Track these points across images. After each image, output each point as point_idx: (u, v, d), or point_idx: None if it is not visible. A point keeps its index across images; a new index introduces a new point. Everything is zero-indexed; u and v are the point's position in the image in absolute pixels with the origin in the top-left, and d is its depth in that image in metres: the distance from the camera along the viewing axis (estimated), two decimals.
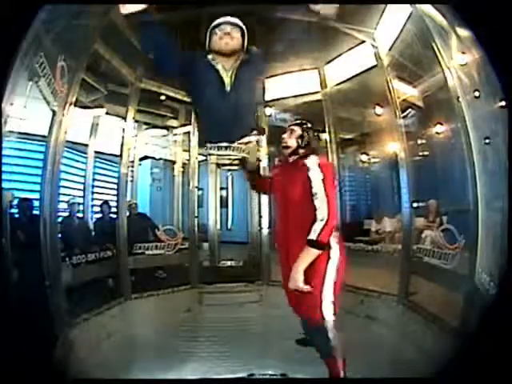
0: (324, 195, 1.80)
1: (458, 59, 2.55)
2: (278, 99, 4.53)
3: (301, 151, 1.97)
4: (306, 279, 1.84)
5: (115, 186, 3.86)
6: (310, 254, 1.81)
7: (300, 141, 1.99)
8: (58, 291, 2.64)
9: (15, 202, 3.13)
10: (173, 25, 3.63)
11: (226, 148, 4.62)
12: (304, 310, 1.98)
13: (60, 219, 3.46)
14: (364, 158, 5.69)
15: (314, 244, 1.80)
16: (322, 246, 1.82)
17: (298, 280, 1.79)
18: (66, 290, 2.74)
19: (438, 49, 2.75)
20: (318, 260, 1.88)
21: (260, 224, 4.37)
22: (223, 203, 4.85)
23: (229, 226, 4.86)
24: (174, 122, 5.24)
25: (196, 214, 4.32)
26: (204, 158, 4.64)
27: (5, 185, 2.06)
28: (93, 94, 4.07)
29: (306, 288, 1.81)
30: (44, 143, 2.75)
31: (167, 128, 5.37)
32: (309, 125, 2.06)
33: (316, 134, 2.09)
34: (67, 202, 3.88)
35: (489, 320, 1.63)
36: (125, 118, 3.83)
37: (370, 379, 2.15)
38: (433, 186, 3.95)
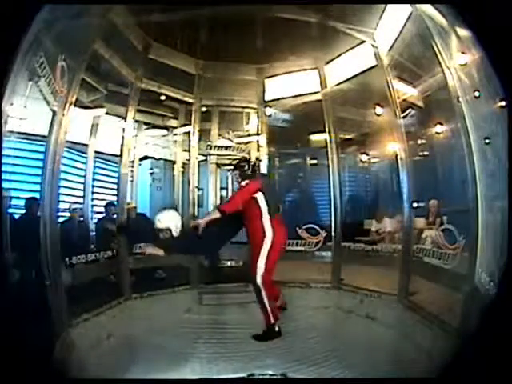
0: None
1: (458, 59, 2.55)
2: (278, 99, 4.53)
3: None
4: (253, 251, 2.96)
5: (115, 186, 3.85)
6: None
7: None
8: (58, 291, 2.64)
9: (17, 201, 3.13)
10: (173, 25, 3.65)
11: (226, 148, 4.63)
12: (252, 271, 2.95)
13: (61, 220, 3.46)
14: (364, 157, 5.69)
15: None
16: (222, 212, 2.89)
17: None
18: (66, 289, 2.74)
19: (437, 49, 2.75)
20: (259, 238, 2.92)
21: None
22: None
23: None
24: (173, 122, 5.23)
25: (196, 214, 4.32)
26: (204, 157, 4.65)
27: (5, 185, 2.06)
28: (93, 93, 4.07)
29: None
30: (44, 143, 2.75)
31: (167, 128, 5.37)
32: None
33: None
34: (69, 207, 3.88)
35: (489, 320, 1.64)
36: (125, 118, 3.82)
37: (370, 379, 2.15)
38: (433, 186, 3.95)
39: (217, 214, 2.88)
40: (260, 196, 2.98)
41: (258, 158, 4.25)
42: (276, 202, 3.11)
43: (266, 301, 2.87)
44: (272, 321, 2.88)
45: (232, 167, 3.35)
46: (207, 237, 2.90)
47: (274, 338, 2.85)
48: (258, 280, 2.87)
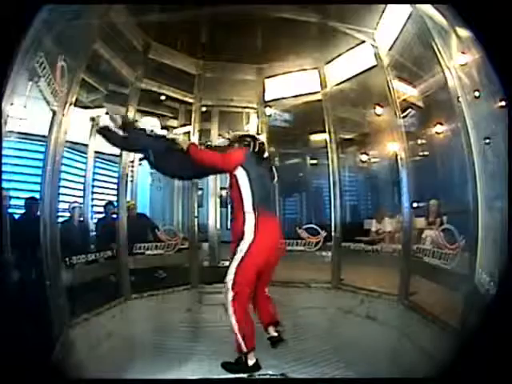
0: None
1: (458, 59, 2.55)
2: (278, 99, 4.53)
3: None
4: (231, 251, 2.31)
5: (115, 186, 3.86)
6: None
7: None
8: (58, 291, 2.64)
9: (17, 201, 3.14)
10: (173, 25, 3.65)
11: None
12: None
13: (61, 220, 3.46)
14: (364, 157, 5.69)
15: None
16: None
17: None
18: (66, 289, 2.74)
19: (437, 49, 2.75)
20: (237, 237, 2.27)
21: None
22: (223, 203, 4.85)
23: (229, 226, 4.86)
24: (173, 122, 5.23)
25: (196, 214, 4.32)
26: None
27: (5, 185, 2.06)
28: (93, 93, 4.07)
29: None
30: (44, 143, 2.75)
31: (167, 128, 5.36)
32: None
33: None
34: (69, 207, 3.89)
35: (489, 320, 1.64)
36: None
37: (370, 379, 2.15)
38: (433, 186, 3.95)
39: (184, 146, 2.50)
40: (241, 174, 2.28)
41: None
42: (270, 195, 2.43)
43: (233, 321, 2.19)
44: (243, 349, 2.20)
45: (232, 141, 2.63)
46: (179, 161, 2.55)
47: (242, 373, 2.22)
48: (228, 292, 2.22)
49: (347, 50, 3.99)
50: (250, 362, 2.22)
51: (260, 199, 2.28)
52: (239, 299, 2.21)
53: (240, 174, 2.27)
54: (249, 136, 2.54)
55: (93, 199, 4.44)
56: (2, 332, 1.49)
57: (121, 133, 2.66)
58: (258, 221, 2.24)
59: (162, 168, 2.85)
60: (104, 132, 2.68)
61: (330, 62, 4.23)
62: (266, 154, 2.49)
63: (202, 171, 2.70)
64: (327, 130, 4.21)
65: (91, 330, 2.83)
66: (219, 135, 4.73)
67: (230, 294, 2.21)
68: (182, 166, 2.60)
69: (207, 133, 4.69)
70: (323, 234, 4.03)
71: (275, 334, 2.36)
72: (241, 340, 2.18)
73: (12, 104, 2.05)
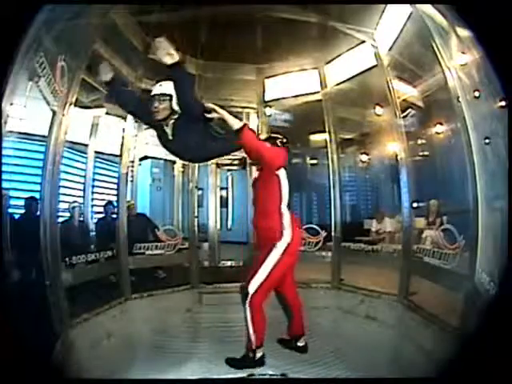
0: None
1: (458, 59, 2.55)
2: (278, 99, 4.53)
3: None
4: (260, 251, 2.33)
5: (115, 186, 3.86)
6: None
7: None
8: (58, 291, 2.64)
9: (17, 201, 3.14)
10: (173, 25, 3.65)
11: None
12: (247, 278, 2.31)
13: (61, 220, 3.46)
14: (364, 157, 5.69)
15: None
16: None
17: None
18: (66, 290, 2.74)
19: (438, 49, 2.75)
20: (271, 238, 2.27)
21: None
22: (223, 203, 4.86)
23: (229, 226, 4.87)
24: None
25: (196, 214, 4.32)
26: None
27: (5, 185, 2.06)
28: (93, 93, 4.07)
29: None
30: (44, 143, 2.75)
31: None
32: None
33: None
34: (69, 207, 3.89)
35: (489, 320, 1.64)
36: (125, 118, 3.83)
37: (370, 379, 2.16)
38: (433, 186, 3.95)
39: (236, 124, 2.15)
40: (283, 174, 2.32)
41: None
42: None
43: (249, 321, 2.27)
44: (253, 346, 2.32)
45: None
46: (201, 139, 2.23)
47: (252, 368, 2.33)
48: (250, 291, 2.25)
49: (347, 50, 3.99)
50: (258, 355, 2.34)
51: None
52: (262, 299, 2.29)
53: (282, 173, 2.33)
54: (277, 133, 2.67)
55: (93, 199, 4.44)
56: (2, 332, 1.49)
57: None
58: (292, 221, 2.32)
59: (182, 142, 2.26)
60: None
61: (330, 62, 4.23)
62: None
63: (222, 153, 2.53)
64: (327, 130, 4.20)
65: (91, 329, 2.83)
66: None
67: (254, 294, 2.25)
68: (204, 140, 2.24)
69: None
70: (323, 233, 4.03)
71: (304, 344, 2.58)
72: (253, 337, 2.29)
73: (12, 104, 2.05)
